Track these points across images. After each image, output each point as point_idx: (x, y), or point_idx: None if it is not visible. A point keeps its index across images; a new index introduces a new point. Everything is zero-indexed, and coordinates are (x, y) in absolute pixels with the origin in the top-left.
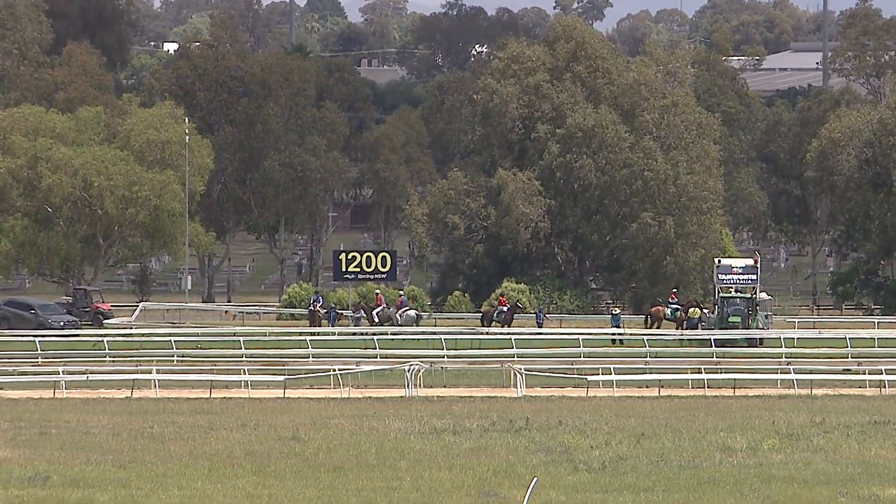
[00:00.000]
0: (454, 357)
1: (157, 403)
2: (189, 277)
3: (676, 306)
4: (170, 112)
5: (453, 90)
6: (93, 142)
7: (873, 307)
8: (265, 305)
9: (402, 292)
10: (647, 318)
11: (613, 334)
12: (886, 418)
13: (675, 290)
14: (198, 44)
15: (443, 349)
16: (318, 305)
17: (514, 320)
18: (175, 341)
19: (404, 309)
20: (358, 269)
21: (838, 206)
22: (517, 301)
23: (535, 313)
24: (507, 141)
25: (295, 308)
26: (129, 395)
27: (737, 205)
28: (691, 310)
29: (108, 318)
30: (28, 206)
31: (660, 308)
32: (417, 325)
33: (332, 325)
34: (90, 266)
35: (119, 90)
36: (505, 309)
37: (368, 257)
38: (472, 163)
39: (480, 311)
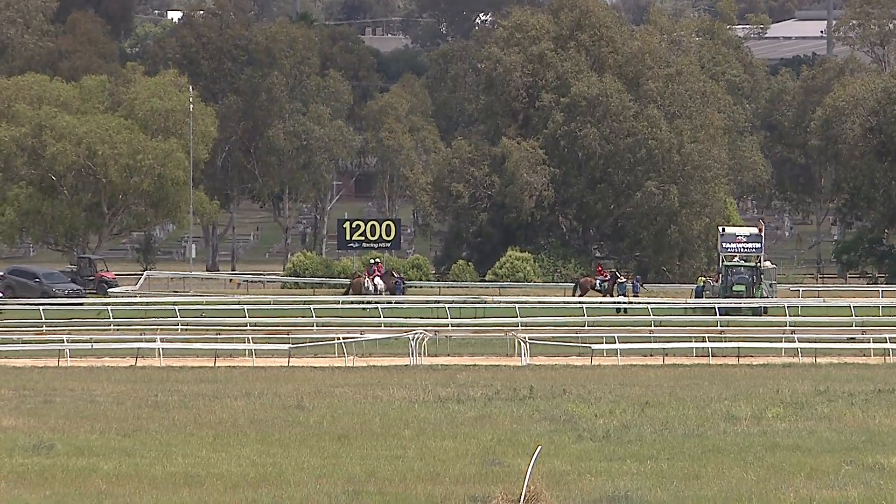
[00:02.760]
0: (458, 325)
1: (161, 372)
2: (193, 246)
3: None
4: (174, 81)
5: (457, 59)
6: (97, 110)
7: (877, 276)
8: (269, 274)
9: (377, 260)
10: (575, 287)
11: (618, 303)
12: (891, 387)
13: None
14: (202, 12)
15: (447, 318)
16: (375, 275)
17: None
18: (179, 310)
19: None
20: (362, 238)
21: (843, 175)
22: (615, 270)
23: (632, 282)
24: (512, 109)
25: (299, 276)
26: (134, 364)
27: (741, 173)
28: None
29: (112, 287)
30: (32, 175)
31: (588, 279)
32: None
33: (399, 294)
34: (94, 234)
35: (123, 59)
36: (607, 278)
37: (373, 226)
38: (476, 131)
39: (574, 280)
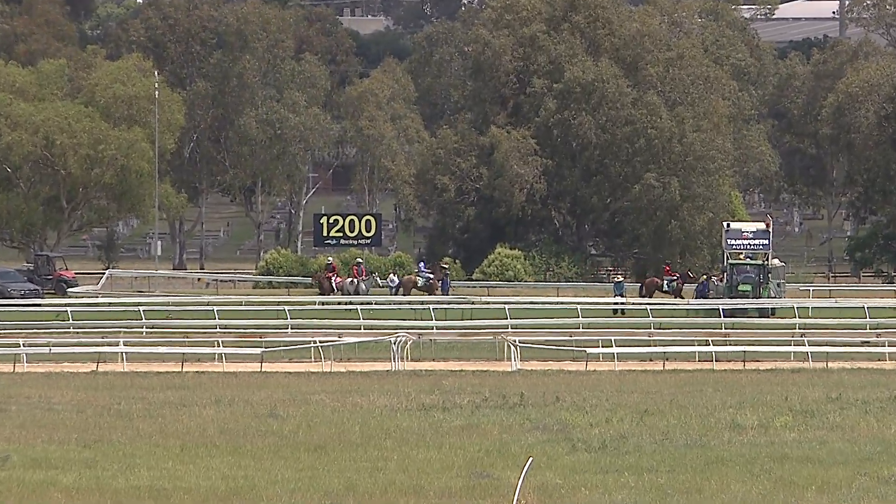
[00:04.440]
0: (444, 328)
1: (124, 378)
2: (159, 243)
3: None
4: (138, 65)
5: (443, 41)
6: (55, 97)
7: (893, 274)
8: (241, 273)
9: (359, 260)
10: (641, 288)
11: (615, 304)
12: None
13: (667, 264)
14: None
15: (432, 319)
16: (423, 272)
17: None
18: (144, 311)
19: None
20: (340, 234)
21: (856, 166)
22: (688, 269)
23: (701, 283)
24: (501, 96)
25: (273, 275)
26: (95, 369)
27: (747, 165)
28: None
29: (72, 287)
30: None
31: (654, 280)
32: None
33: (446, 293)
34: (53, 230)
35: (83, 42)
36: (675, 277)
37: (351, 221)
38: (462, 120)
39: (641, 282)
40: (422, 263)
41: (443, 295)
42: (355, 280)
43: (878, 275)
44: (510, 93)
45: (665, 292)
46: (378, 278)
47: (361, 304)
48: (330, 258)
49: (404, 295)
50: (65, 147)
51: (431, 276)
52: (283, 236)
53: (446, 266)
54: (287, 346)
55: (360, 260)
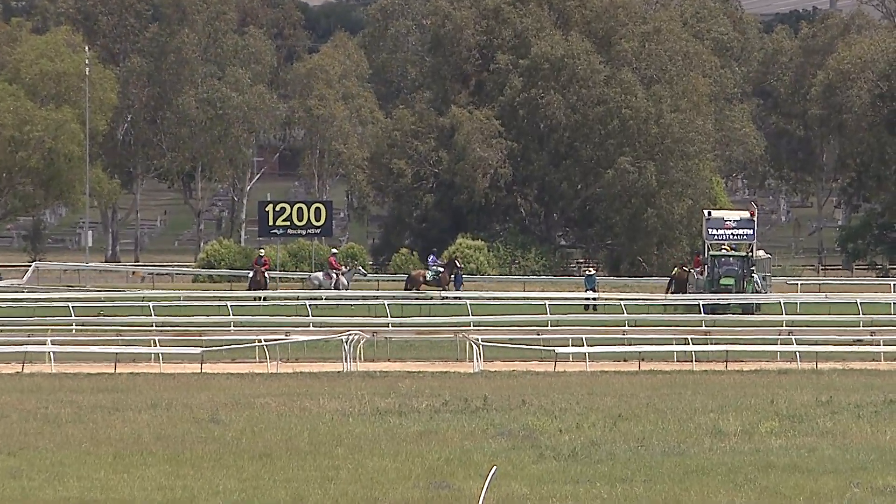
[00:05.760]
0: (400, 325)
1: (52, 380)
2: (90, 233)
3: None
4: (67, 39)
5: (399, 14)
6: None
7: (888, 267)
8: (179, 265)
9: (335, 251)
10: (671, 281)
11: (586, 299)
12: None
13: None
14: None
15: (387, 316)
16: (432, 265)
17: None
18: (73, 307)
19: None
20: (287, 224)
21: (848, 149)
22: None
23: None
24: (462, 73)
25: (214, 268)
26: (20, 371)
27: (729, 148)
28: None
29: None
30: None
31: (684, 272)
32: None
33: (458, 289)
34: None
35: (7, 13)
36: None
37: (300, 209)
38: (420, 99)
39: (670, 276)
40: (431, 256)
41: (456, 290)
42: (333, 273)
43: (872, 267)
44: (472, 69)
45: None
46: (363, 269)
47: (310, 299)
48: (262, 250)
49: (411, 290)
50: None
51: (442, 269)
52: (225, 226)
53: (459, 260)
54: (230, 346)
55: (335, 250)
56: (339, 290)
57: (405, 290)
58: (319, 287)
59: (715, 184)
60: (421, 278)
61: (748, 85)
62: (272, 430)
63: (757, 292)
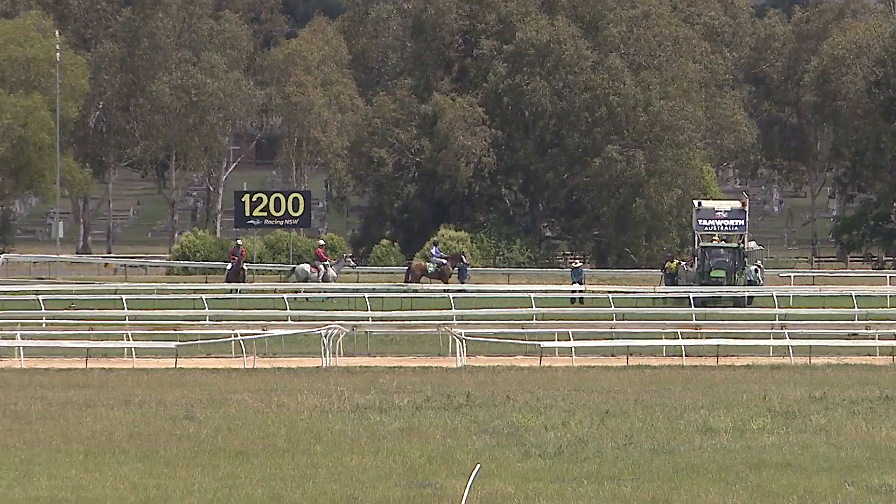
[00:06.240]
0: (381, 319)
1: (22, 375)
2: (61, 223)
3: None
4: (37, 24)
5: None
6: None
7: (884, 259)
8: (153, 257)
9: (322, 242)
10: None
11: (573, 292)
12: None
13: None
14: None
15: (367, 309)
16: (435, 257)
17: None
18: (44, 300)
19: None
20: (264, 214)
21: (843, 138)
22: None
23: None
24: (445, 59)
25: (189, 260)
26: None
27: (720, 136)
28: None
29: None
30: None
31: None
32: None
33: (463, 282)
34: None
35: None
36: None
37: (277, 199)
38: (402, 86)
39: (663, 268)
40: (434, 248)
41: (460, 283)
42: (321, 265)
43: (868, 259)
44: (455, 55)
45: (750, 283)
46: (350, 261)
47: (287, 293)
48: (239, 241)
49: (411, 282)
50: None
51: (445, 261)
52: (200, 216)
53: (465, 254)
54: (205, 340)
55: (321, 241)
56: (327, 282)
57: (405, 282)
58: (307, 280)
59: (705, 173)
60: (421, 271)
61: (740, 71)
62: (249, 427)
63: (752, 284)
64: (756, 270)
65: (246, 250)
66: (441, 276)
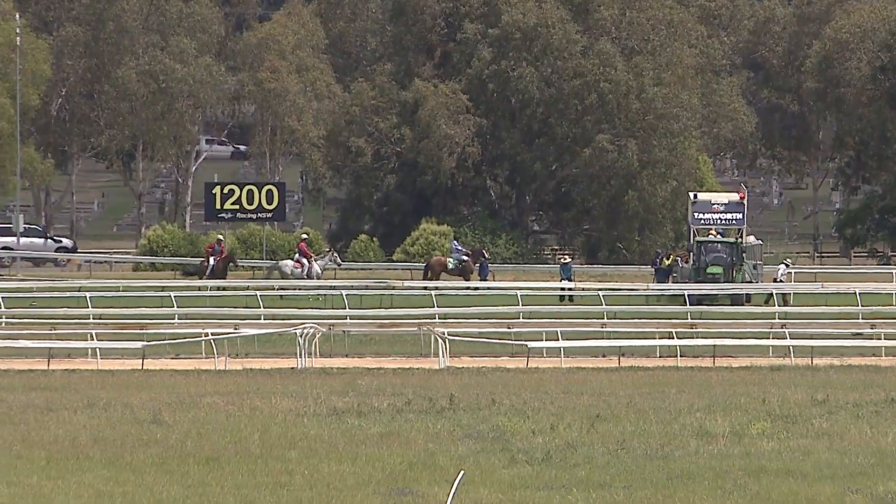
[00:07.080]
0: (359, 318)
1: None
2: (21, 216)
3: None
4: None
5: None
6: None
7: (890, 254)
8: (118, 252)
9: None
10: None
11: (562, 289)
12: None
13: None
14: None
15: (344, 308)
16: (456, 252)
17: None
18: (3, 298)
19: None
20: (236, 207)
21: (846, 126)
22: None
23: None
24: (427, 44)
25: (156, 255)
26: None
27: (717, 125)
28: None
29: None
30: None
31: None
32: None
33: (483, 279)
34: None
35: None
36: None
37: (250, 192)
38: (381, 71)
39: (658, 264)
40: (455, 241)
41: (481, 281)
42: (305, 261)
43: (872, 255)
44: (437, 39)
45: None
46: (337, 257)
47: (260, 290)
48: (220, 235)
49: (431, 279)
50: None
51: (467, 257)
52: (168, 209)
53: (486, 250)
54: (173, 340)
55: (305, 235)
56: (311, 278)
57: (424, 279)
58: (290, 276)
59: (701, 164)
60: (441, 266)
61: (737, 56)
62: (220, 431)
63: (747, 282)
64: (754, 267)
65: (227, 246)
66: (462, 272)
